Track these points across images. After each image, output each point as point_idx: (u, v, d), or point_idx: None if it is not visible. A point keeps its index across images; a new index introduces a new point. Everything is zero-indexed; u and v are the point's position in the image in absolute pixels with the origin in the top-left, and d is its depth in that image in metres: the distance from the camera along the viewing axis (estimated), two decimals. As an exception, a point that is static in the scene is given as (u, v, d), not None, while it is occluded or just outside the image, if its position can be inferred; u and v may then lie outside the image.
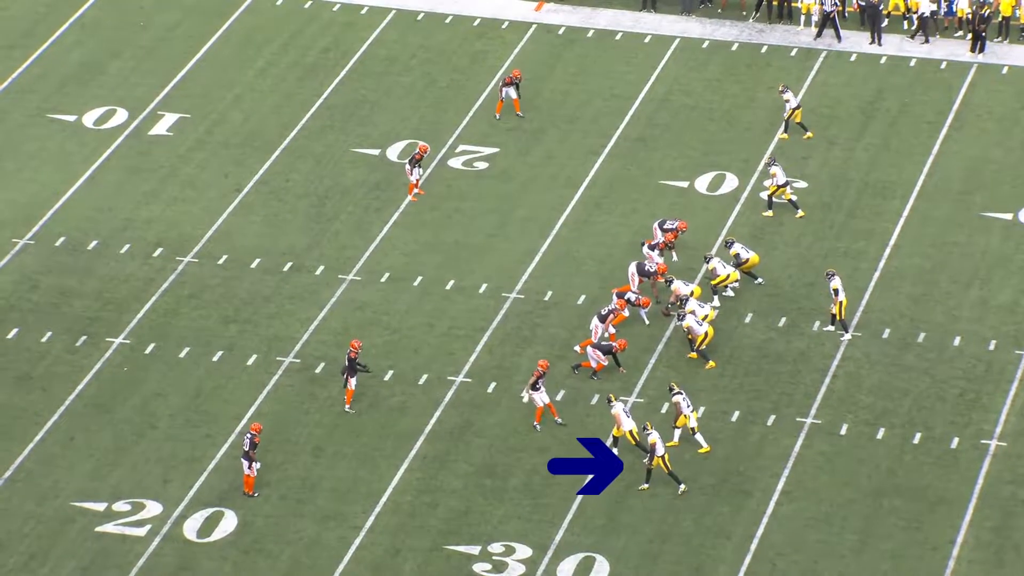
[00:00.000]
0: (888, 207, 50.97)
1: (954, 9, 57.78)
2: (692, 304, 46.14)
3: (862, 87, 55.69)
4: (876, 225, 50.23)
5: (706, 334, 45.64)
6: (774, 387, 45.17)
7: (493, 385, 45.32)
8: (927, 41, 57.38)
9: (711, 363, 45.64)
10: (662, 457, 42.11)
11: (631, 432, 42.82)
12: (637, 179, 52.27)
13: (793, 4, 58.76)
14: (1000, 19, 57.51)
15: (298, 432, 44.01)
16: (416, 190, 51.47)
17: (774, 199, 50.58)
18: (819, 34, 57.85)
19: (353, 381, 44.33)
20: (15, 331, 46.92)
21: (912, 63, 56.93)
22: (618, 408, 43.04)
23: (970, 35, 57.23)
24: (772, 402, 44.76)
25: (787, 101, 53.53)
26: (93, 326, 47.12)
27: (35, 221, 50.63)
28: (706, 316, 46.00)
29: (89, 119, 54.90)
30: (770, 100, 55.06)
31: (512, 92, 54.59)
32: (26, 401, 44.77)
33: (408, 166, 51.40)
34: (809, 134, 53.52)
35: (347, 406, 44.48)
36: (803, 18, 58.50)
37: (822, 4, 57.74)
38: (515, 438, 43.81)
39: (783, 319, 46.96)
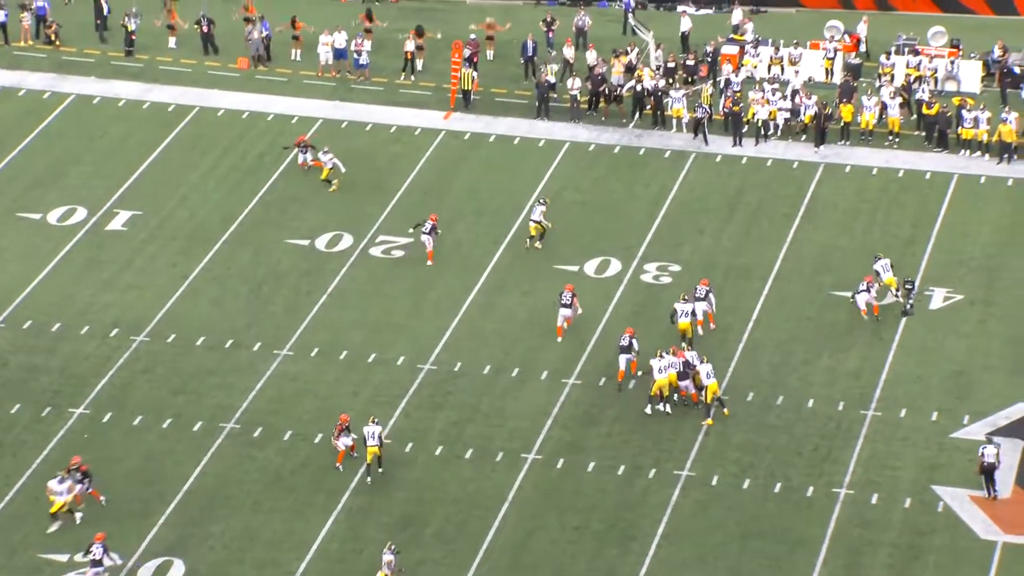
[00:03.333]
0: (750, 287, 51.26)
1: (802, 116, 58.46)
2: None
3: (727, 184, 56.10)
4: (740, 303, 50.50)
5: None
6: (656, 444, 45.29)
7: (410, 445, 45.24)
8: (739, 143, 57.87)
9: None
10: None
11: None
12: (533, 264, 52.37)
13: (666, 113, 59.22)
14: (841, 124, 58.24)
15: (239, 489, 43.76)
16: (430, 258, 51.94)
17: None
18: (696, 135, 58.29)
19: (344, 442, 44.23)
20: (-12, 404, 46.63)
21: (769, 163, 57.41)
22: None
23: (816, 134, 58.01)
24: (654, 457, 44.87)
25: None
26: (57, 398, 46.72)
27: (5, 307, 50.19)
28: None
29: (53, 217, 54.53)
30: (649, 195, 55.40)
31: (309, 156, 55.11)
32: (-3, 466, 44.44)
33: (424, 236, 51.70)
34: (334, 186, 54.85)
35: (338, 464, 44.36)
36: (675, 122, 59.03)
37: (695, 111, 58.26)
38: (430, 492, 43.73)
39: (663, 409, 46.82)
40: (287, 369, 47.95)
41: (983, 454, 43.18)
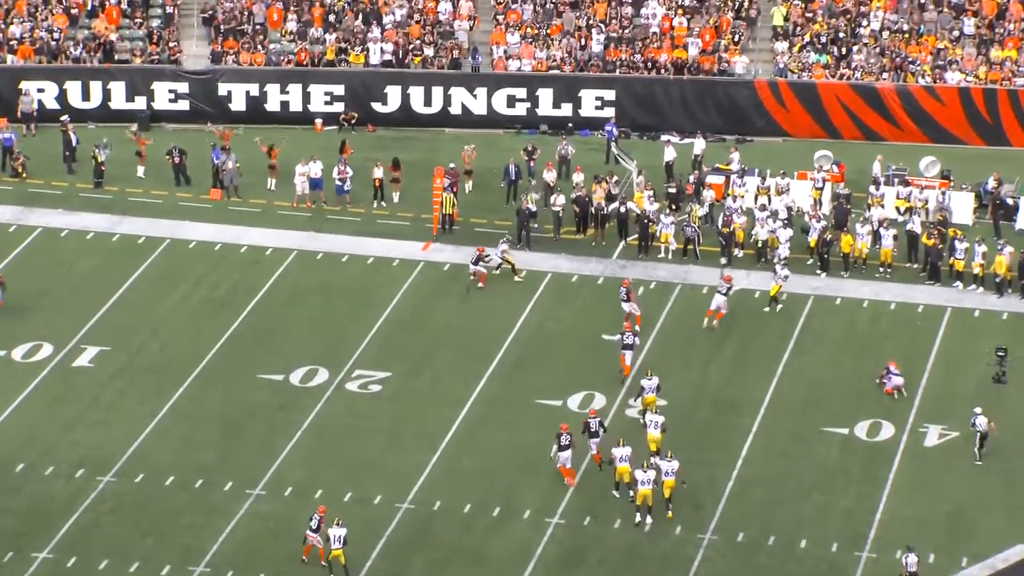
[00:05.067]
0: (739, 422, 51.10)
1: (809, 236, 58.72)
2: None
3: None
4: (728, 439, 50.33)
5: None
6: (642, 587, 45.04)
7: (388, 589, 44.98)
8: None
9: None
10: None
11: None
12: (515, 398, 52.27)
13: (653, 244, 59.47)
14: (841, 255, 58.45)
15: (209, 636, 43.33)
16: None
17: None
18: (685, 254, 58.61)
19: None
20: (-52, 548, 46.05)
21: (756, 295, 57.56)
22: None
23: (818, 259, 58.33)
24: (640, 600, 44.63)
25: None
26: (20, 541, 46.09)
27: (-32, 446, 49.89)
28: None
29: (17, 353, 54.23)
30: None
31: None
32: (-44, 612, 43.87)
33: (472, 265, 57.33)
34: None
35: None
36: (662, 250, 59.28)
37: (684, 230, 58.51)
38: (408, 638, 43.37)
39: (649, 522, 46.87)
40: (260, 509, 47.54)
41: (906, 563, 43.58)
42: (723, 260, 58.29)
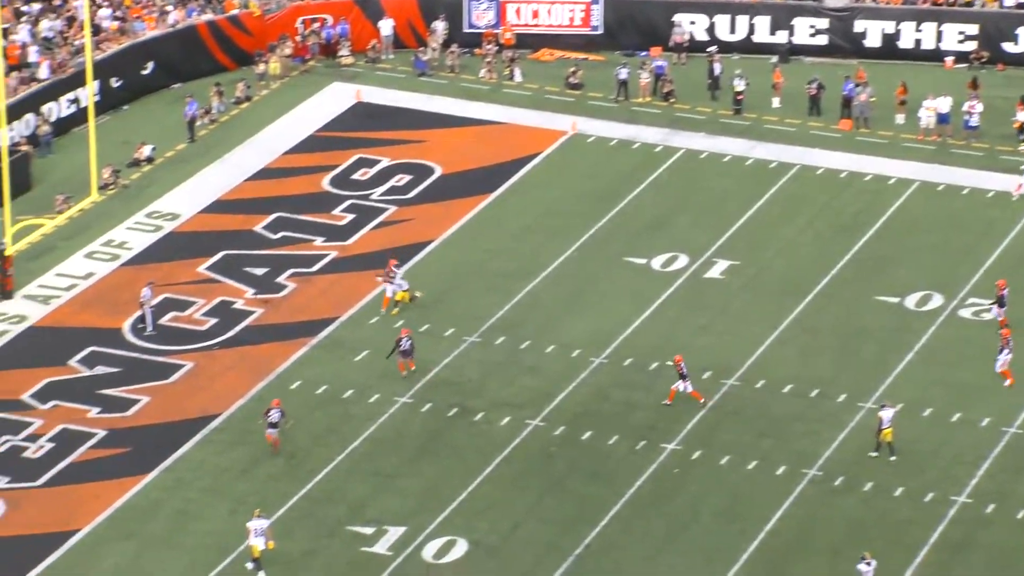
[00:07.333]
0: None
1: None
2: None
3: None
4: None
5: None
6: None
7: (992, 507, 44.18)
8: None
9: None
10: None
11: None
12: None
13: None
14: None
15: (819, 537, 43.82)
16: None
17: None
18: None
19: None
20: (589, 433, 48.15)
21: None
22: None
23: None
24: None
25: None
26: (651, 433, 47.81)
27: (609, 344, 51.74)
28: None
29: (656, 263, 56.05)
30: None
31: (390, 289, 53.04)
32: (595, 492, 45.78)
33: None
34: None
35: None
36: None
37: None
38: (1006, 556, 42.55)
39: None
40: (871, 422, 47.63)
41: None
42: None
